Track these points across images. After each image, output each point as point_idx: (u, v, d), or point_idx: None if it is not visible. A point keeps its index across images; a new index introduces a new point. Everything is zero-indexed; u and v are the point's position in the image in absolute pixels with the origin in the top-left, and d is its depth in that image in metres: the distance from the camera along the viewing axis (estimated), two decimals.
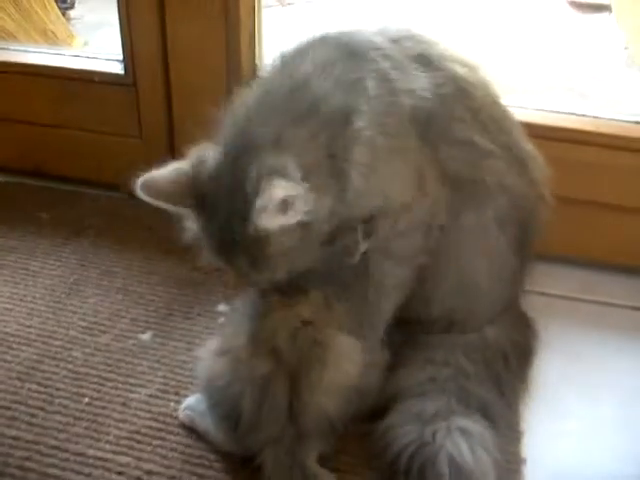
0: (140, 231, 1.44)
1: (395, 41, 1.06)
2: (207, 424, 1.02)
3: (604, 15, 3.42)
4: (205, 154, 0.98)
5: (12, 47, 1.67)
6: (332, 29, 1.08)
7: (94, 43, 2.65)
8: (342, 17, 3.39)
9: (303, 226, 0.93)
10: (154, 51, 1.43)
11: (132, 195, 0.99)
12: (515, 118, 1.14)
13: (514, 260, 1.12)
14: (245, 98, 1.02)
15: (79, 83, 1.53)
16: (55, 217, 1.51)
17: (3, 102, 1.59)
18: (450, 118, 1.05)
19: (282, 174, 0.89)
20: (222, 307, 1.26)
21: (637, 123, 1.34)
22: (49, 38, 2.16)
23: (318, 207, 0.93)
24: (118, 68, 1.50)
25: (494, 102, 1.11)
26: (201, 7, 1.36)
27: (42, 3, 2.14)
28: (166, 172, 0.98)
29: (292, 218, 0.90)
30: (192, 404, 1.06)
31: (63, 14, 2.45)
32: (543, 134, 1.30)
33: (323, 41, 1.05)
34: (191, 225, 1.00)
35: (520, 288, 1.19)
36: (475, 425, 0.99)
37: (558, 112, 1.37)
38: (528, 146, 1.13)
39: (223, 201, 0.94)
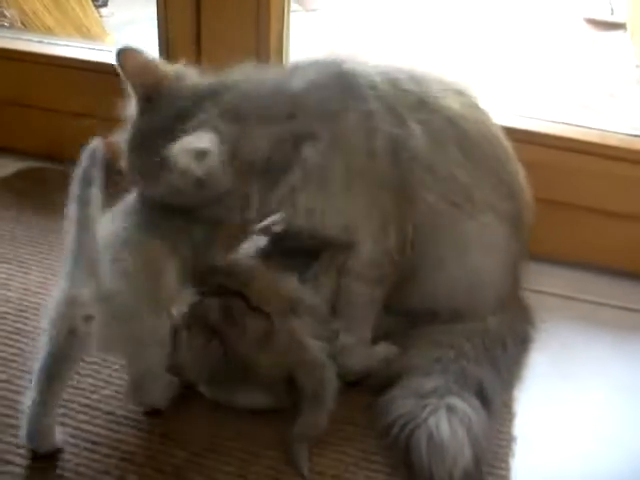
0: None
1: (394, 84, 1.16)
2: None
3: (619, 33, 3.49)
4: (188, 75, 1.13)
5: (54, 41, 1.78)
6: (350, 47, 1.20)
7: (122, 40, 2.76)
8: (363, 24, 3.47)
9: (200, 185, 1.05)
10: (189, 52, 1.52)
11: None
12: (503, 139, 1.24)
13: (511, 251, 1.22)
14: (251, 75, 1.16)
15: (116, 78, 1.63)
16: None
17: (43, 92, 1.70)
18: (436, 156, 1.15)
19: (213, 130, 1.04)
20: None
21: (638, 136, 1.43)
22: (84, 34, 2.26)
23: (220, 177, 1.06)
24: None
25: (483, 133, 1.20)
26: (235, 12, 1.47)
27: (79, 1, 2.25)
28: (148, 61, 1.11)
29: (198, 170, 1.02)
30: None
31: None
32: (551, 143, 1.41)
33: (329, 65, 1.16)
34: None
35: (518, 277, 1.28)
36: (463, 404, 1.06)
37: (567, 123, 1.47)
38: (512, 166, 1.23)
39: (166, 116, 1.07)
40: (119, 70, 1.10)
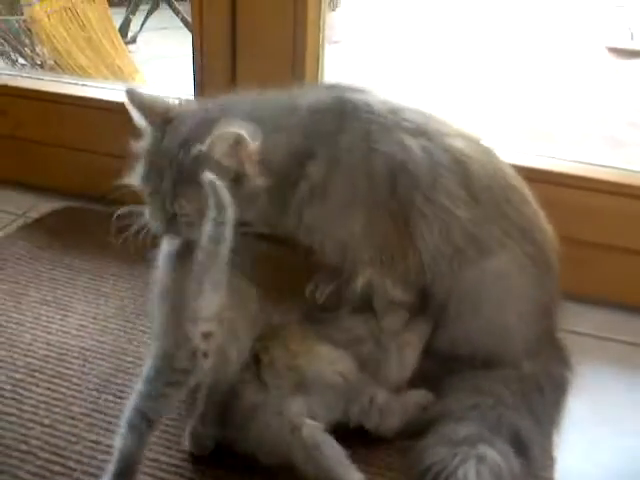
0: None
1: (395, 112, 1.18)
2: None
3: None
4: (190, 105, 1.17)
5: (87, 83, 1.81)
6: (371, 77, 1.23)
7: (149, 74, 2.80)
8: (384, 56, 3.51)
9: (236, 181, 1.07)
10: (224, 92, 1.55)
11: None
12: (518, 185, 1.22)
13: (539, 295, 1.22)
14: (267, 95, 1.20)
15: None
16: (122, 242, 1.62)
17: (81, 133, 1.73)
18: (436, 187, 1.14)
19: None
20: None
21: None
22: (116, 72, 2.30)
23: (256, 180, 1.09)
24: None
25: (492, 175, 1.19)
26: (271, 56, 1.49)
27: (110, 40, 2.29)
28: (154, 97, 1.16)
29: (231, 160, 1.06)
30: None
31: None
32: (577, 184, 1.42)
33: (330, 89, 1.21)
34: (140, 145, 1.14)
35: (552, 321, 1.28)
36: (494, 453, 1.05)
37: (593, 164, 1.49)
38: (528, 210, 1.22)
39: (181, 133, 1.09)
40: (130, 107, 1.14)
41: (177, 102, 1.18)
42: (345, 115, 1.16)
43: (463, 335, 1.19)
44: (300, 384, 1.08)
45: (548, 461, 1.13)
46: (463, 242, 1.16)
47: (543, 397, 1.17)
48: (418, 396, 1.17)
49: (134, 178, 1.13)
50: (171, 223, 1.09)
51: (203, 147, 1.05)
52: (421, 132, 1.17)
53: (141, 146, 1.14)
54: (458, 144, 1.18)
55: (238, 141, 1.05)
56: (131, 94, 1.13)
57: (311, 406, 1.07)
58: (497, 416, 1.11)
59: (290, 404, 1.05)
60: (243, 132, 1.04)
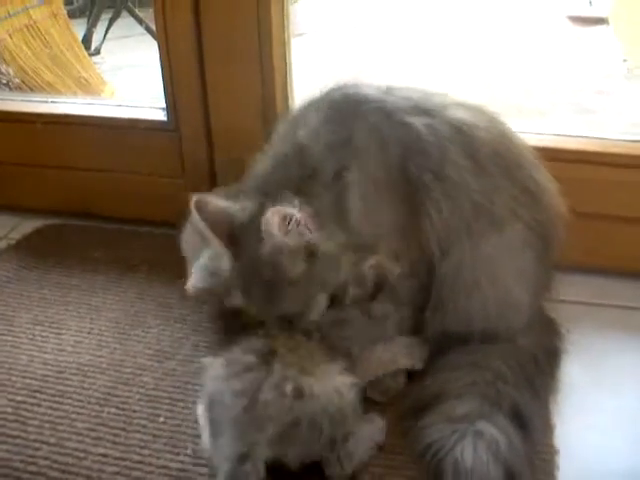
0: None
1: (389, 93, 1.19)
2: None
3: (602, 28, 3.53)
4: (245, 204, 1.16)
5: (59, 100, 1.81)
6: (335, 80, 1.23)
7: (117, 84, 2.79)
8: (348, 47, 3.52)
9: (309, 254, 1.11)
10: (195, 98, 1.56)
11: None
12: (527, 150, 1.23)
13: (542, 271, 1.23)
14: (262, 161, 1.23)
15: (125, 130, 1.67)
16: (108, 255, 1.63)
17: (55, 151, 1.73)
18: (445, 163, 1.15)
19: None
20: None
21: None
22: (83, 85, 2.30)
23: (320, 240, 1.11)
24: (161, 115, 1.63)
25: (499, 140, 1.19)
26: (238, 57, 1.50)
27: (75, 53, 2.28)
28: (220, 205, 1.15)
29: (293, 237, 1.09)
30: None
31: None
32: (557, 156, 1.42)
33: (319, 102, 1.22)
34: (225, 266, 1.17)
35: (547, 295, 1.29)
36: (492, 428, 1.06)
37: (569, 135, 1.50)
38: (539, 175, 1.22)
39: (250, 243, 1.11)
40: (199, 218, 1.14)
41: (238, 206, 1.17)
42: (347, 118, 1.17)
43: (475, 310, 1.19)
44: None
45: (547, 429, 1.15)
46: (473, 215, 1.15)
47: (538, 367, 1.19)
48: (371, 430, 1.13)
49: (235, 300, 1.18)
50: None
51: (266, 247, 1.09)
52: (421, 110, 1.17)
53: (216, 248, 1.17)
54: (461, 114, 1.18)
55: (284, 218, 1.08)
56: (198, 204, 1.13)
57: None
58: (496, 391, 1.12)
59: None
60: (283, 212, 1.08)
